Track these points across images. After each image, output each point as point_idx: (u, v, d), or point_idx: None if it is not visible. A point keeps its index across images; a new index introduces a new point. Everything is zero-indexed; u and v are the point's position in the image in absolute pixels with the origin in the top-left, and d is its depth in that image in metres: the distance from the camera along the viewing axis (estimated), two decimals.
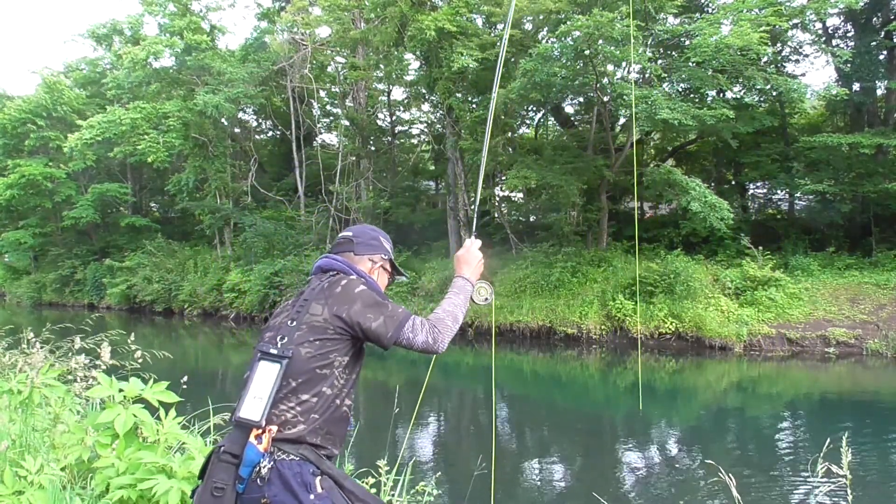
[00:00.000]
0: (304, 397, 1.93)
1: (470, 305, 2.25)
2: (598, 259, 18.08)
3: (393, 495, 3.95)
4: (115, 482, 2.91)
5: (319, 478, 1.88)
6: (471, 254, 2.33)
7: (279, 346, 1.96)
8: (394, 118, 27.47)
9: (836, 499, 5.93)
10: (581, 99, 21.39)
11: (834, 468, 2.69)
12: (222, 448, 1.91)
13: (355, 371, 2.09)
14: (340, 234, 2.35)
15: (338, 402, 2.00)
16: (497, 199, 22.40)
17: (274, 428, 1.87)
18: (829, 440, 3.32)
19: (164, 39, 23.37)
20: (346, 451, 4.18)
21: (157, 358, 4.59)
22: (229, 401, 4.82)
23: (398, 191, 25.80)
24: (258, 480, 1.82)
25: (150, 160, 24.23)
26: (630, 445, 9.40)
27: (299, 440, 1.89)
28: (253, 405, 1.89)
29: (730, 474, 3.03)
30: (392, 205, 24.59)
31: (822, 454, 2.86)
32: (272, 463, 1.83)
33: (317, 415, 1.93)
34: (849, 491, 2.71)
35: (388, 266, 2.35)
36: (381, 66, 22.97)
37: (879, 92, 19.02)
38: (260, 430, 1.85)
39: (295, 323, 2.00)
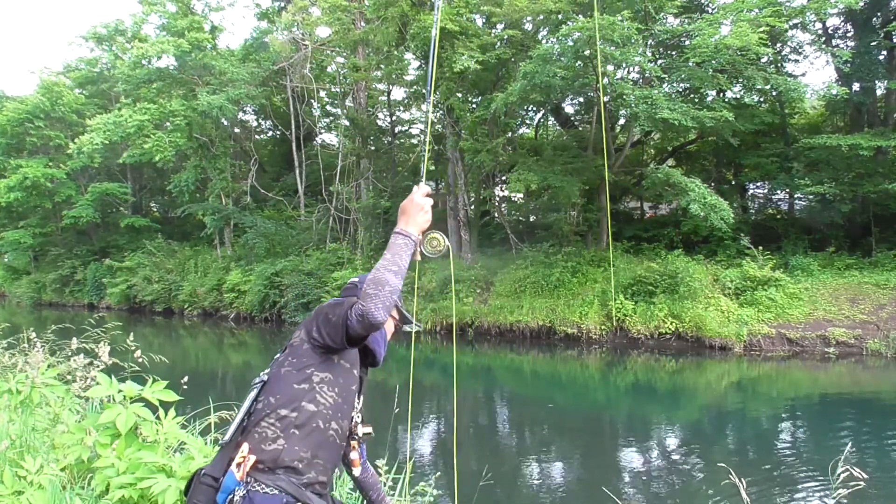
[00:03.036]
0: (283, 412, 1.91)
1: (428, 264, 2.09)
2: (598, 259, 18.09)
3: (392, 495, 3.95)
4: (116, 482, 2.91)
5: None
6: (412, 202, 2.02)
7: (264, 374, 2.03)
8: (394, 118, 27.48)
9: (836, 499, 5.92)
10: (581, 99, 21.39)
11: (856, 472, 2.68)
12: (203, 471, 1.94)
13: (346, 393, 2.02)
14: (349, 280, 2.33)
15: (321, 422, 1.93)
16: (497, 199, 22.39)
17: (253, 457, 1.86)
18: (849, 444, 3.31)
19: (172, 40, 23.33)
20: None
21: (157, 359, 4.59)
22: (229, 400, 4.82)
23: (398, 191, 25.78)
24: None
25: (156, 159, 24.23)
26: (630, 445, 9.40)
27: (277, 463, 1.86)
28: (231, 428, 1.96)
29: (725, 477, 3.02)
30: (392, 205, 24.57)
31: (842, 458, 2.85)
32: (245, 491, 1.83)
33: (297, 430, 1.90)
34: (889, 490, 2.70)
35: (394, 313, 2.28)
36: (382, 66, 22.98)
37: (879, 92, 19.02)
38: (241, 458, 1.85)
39: (280, 355, 2.06)
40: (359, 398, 2.12)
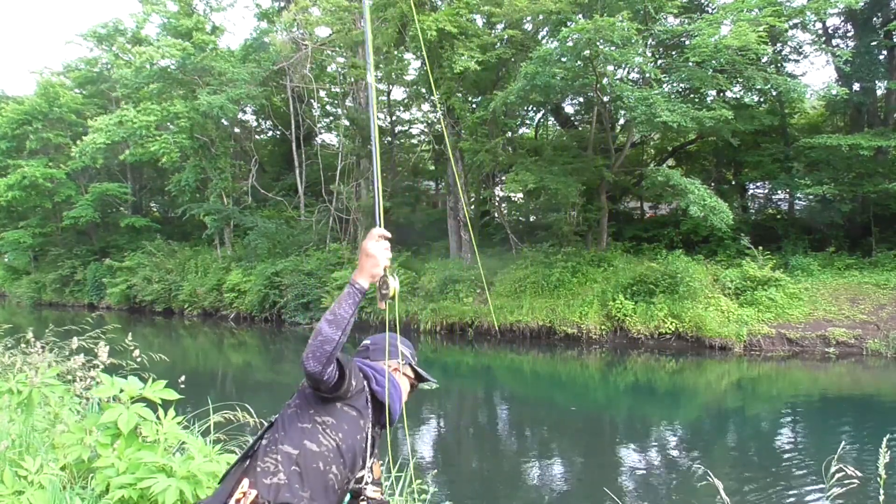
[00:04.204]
0: (287, 449, 1.91)
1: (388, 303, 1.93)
2: (598, 259, 18.09)
3: (393, 495, 3.95)
4: (116, 481, 2.92)
5: None
6: (362, 249, 1.93)
7: (274, 416, 2.05)
8: (394, 118, 27.48)
9: (837, 500, 5.92)
10: (581, 99, 21.39)
11: (849, 470, 2.68)
12: None
13: (350, 441, 1.98)
14: (362, 343, 2.33)
15: (321, 463, 1.91)
16: (497, 199, 22.40)
17: (254, 492, 1.84)
18: (842, 443, 3.31)
19: (176, 42, 23.31)
20: None
21: (157, 358, 4.59)
22: (229, 400, 4.83)
23: (398, 191, 25.81)
24: None
25: (163, 160, 24.24)
26: (630, 445, 9.40)
27: (277, 499, 1.84)
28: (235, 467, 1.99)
29: (728, 476, 3.02)
30: (392, 205, 24.60)
31: (835, 457, 2.85)
32: None
33: (297, 468, 1.89)
34: (881, 491, 2.70)
35: (408, 371, 2.30)
36: (381, 66, 22.97)
37: (879, 92, 19.02)
38: (241, 494, 1.85)
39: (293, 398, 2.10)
40: (370, 455, 2.06)
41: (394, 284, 1.93)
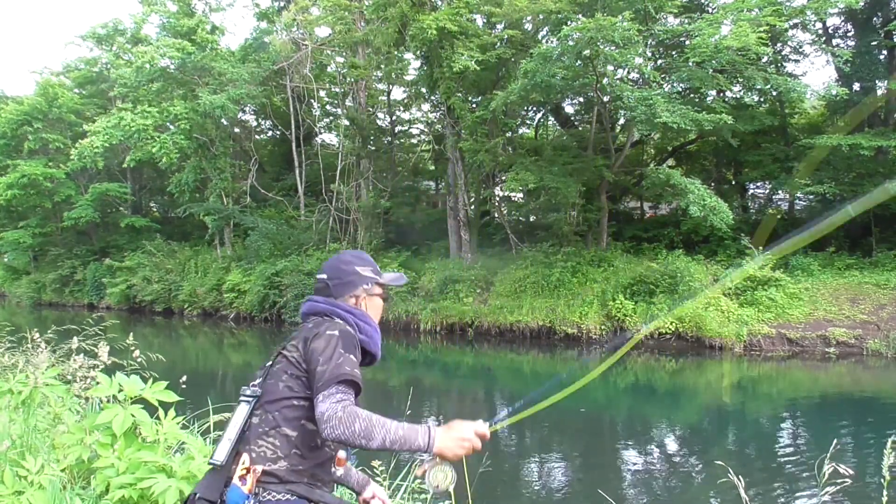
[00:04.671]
0: (286, 430, 1.86)
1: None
2: (598, 259, 18.09)
3: (394, 496, 3.95)
4: (116, 481, 2.91)
5: None
6: (463, 429, 1.77)
7: (255, 386, 1.93)
8: (394, 118, 27.48)
9: (837, 500, 5.93)
10: (581, 99, 21.39)
11: (841, 468, 2.67)
12: (197, 495, 1.84)
13: None
14: (317, 276, 2.15)
15: (319, 440, 1.89)
16: (497, 199, 22.41)
17: (259, 468, 1.80)
18: (835, 441, 3.30)
19: (176, 42, 23.31)
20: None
21: (156, 358, 4.59)
22: (229, 401, 4.82)
23: (398, 191, 25.81)
24: None
25: (163, 162, 24.22)
26: (630, 445, 9.40)
27: (283, 479, 1.83)
28: (222, 447, 1.85)
29: (738, 476, 3.01)
30: (392, 205, 24.61)
31: (828, 455, 2.85)
32: (256, 503, 1.78)
33: (298, 451, 1.86)
34: (884, 492, 2.69)
35: (375, 290, 2.16)
36: (382, 66, 22.99)
37: (879, 92, 19.01)
38: (245, 471, 1.80)
39: (274, 365, 1.96)
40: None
41: (449, 479, 1.76)
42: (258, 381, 1.96)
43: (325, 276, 2.13)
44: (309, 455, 1.88)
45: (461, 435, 1.74)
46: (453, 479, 1.77)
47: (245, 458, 1.82)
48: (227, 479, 1.83)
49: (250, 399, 1.92)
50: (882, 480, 2.65)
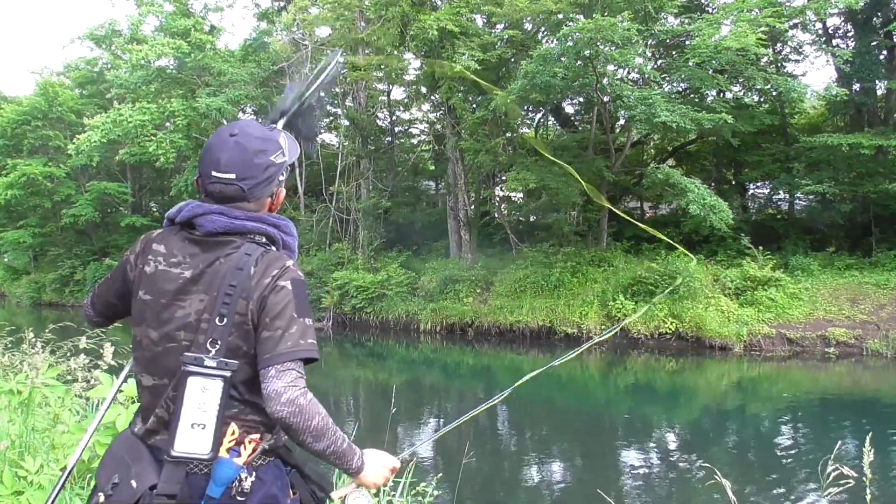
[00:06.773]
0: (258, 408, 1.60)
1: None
2: (598, 259, 18.09)
3: (393, 495, 3.95)
4: None
5: (289, 476, 1.69)
6: (384, 458, 1.72)
7: (214, 356, 1.53)
8: (394, 118, 27.47)
9: (837, 500, 5.92)
10: (581, 99, 21.39)
11: (846, 470, 2.68)
12: (154, 491, 1.50)
13: None
14: (217, 174, 1.62)
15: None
16: (497, 199, 22.40)
17: (256, 436, 1.60)
18: (839, 443, 3.30)
19: (172, 42, 23.28)
20: None
21: None
22: None
23: (398, 191, 25.80)
24: (237, 496, 1.54)
25: (160, 161, 24.19)
26: (630, 446, 9.40)
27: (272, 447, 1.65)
28: (192, 437, 1.51)
29: (728, 476, 3.02)
30: (392, 205, 24.60)
31: (832, 456, 2.85)
32: (254, 473, 1.57)
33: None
34: (867, 490, 2.70)
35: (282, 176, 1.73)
36: (382, 66, 22.97)
37: (879, 92, 19.02)
38: (232, 442, 1.56)
39: (225, 321, 1.55)
40: None
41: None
42: (209, 344, 1.60)
43: (232, 174, 1.62)
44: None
45: (387, 464, 1.71)
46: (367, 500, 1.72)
47: (233, 426, 1.57)
48: (218, 446, 1.56)
49: (214, 376, 1.58)
50: (865, 479, 2.66)
